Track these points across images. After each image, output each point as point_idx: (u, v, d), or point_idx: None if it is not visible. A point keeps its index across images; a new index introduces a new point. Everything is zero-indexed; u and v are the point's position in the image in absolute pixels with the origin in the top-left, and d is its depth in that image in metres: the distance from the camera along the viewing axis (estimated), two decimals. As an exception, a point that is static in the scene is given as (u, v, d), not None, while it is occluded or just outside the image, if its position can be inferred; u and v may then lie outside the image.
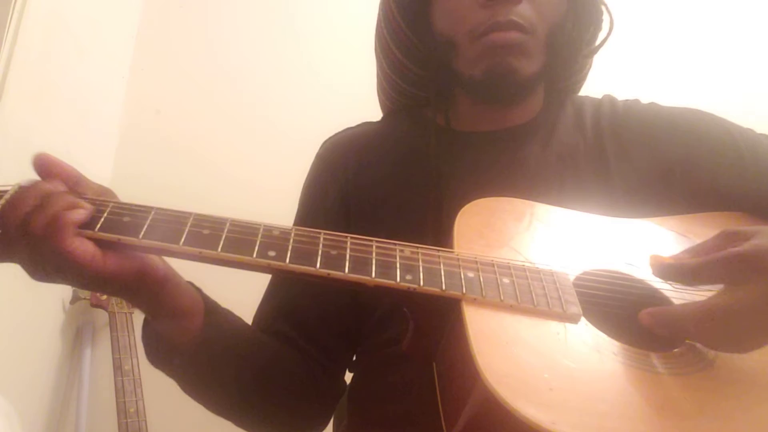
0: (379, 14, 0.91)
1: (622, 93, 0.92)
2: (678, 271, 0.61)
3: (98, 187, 0.61)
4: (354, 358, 0.88)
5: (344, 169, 0.88)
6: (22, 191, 0.56)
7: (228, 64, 2.11)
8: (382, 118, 0.99)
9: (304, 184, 0.93)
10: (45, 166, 0.59)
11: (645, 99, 0.91)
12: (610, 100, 0.90)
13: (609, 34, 0.85)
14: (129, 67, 2.09)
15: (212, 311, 0.70)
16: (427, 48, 0.85)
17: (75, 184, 0.59)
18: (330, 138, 0.96)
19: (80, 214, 0.55)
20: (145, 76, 2.08)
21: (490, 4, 0.76)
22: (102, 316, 1.83)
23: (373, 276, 0.57)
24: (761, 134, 0.84)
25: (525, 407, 0.49)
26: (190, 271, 0.65)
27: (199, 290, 0.70)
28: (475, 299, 0.58)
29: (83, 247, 0.54)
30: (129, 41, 2.10)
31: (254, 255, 0.57)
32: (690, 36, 2.10)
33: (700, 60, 2.07)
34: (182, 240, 0.56)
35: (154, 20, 2.12)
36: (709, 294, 0.59)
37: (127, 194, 0.61)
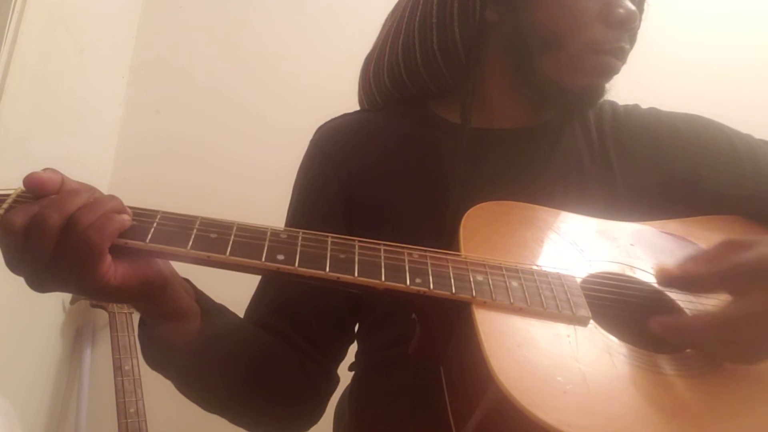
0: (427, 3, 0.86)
1: (621, 97, 0.92)
2: (683, 282, 0.62)
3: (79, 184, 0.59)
4: (355, 359, 0.88)
5: (345, 161, 0.85)
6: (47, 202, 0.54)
7: (228, 64, 2.10)
8: (382, 108, 0.94)
9: (300, 171, 0.90)
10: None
11: (644, 104, 0.91)
12: (611, 105, 0.90)
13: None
14: (129, 67, 2.08)
15: (209, 312, 0.70)
16: (479, 37, 0.82)
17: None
18: (326, 124, 0.91)
19: (124, 220, 0.56)
20: (145, 76, 2.07)
21: (619, 27, 0.78)
22: (102, 316, 1.82)
23: (383, 279, 0.58)
24: (760, 140, 0.85)
25: (540, 410, 0.49)
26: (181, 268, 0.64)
27: (195, 288, 0.70)
28: (484, 302, 0.58)
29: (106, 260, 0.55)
30: (129, 41, 2.08)
31: (263, 259, 0.57)
32: (688, 38, 2.10)
33: (699, 64, 2.07)
34: (190, 244, 0.56)
35: (154, 20, 2.11)
36: (714, 300, 0.59)
37: (127, 195, 0.60)
